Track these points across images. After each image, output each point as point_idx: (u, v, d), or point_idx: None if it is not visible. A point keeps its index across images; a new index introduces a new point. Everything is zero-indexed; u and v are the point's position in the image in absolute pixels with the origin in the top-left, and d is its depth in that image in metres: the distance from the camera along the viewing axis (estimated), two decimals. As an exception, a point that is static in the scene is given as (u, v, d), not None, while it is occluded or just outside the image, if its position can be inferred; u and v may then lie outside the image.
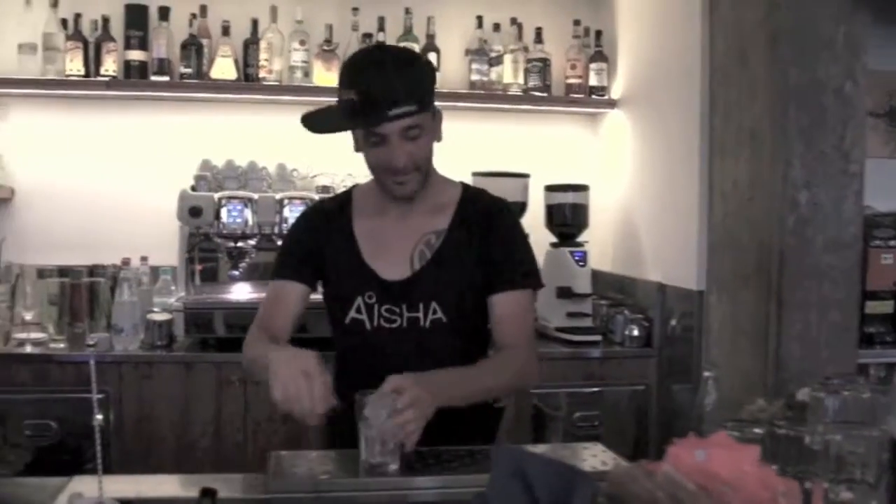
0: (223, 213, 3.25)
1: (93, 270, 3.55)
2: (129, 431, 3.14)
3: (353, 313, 2.02)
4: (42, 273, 3.51)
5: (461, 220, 2.05)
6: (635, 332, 3.42)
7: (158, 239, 3.52)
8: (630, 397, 3.41)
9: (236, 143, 3.66)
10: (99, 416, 1.70)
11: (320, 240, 2.09)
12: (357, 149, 2.01)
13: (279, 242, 3.29)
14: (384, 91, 1.82)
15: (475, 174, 3.57)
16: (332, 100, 3.57)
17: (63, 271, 3.50)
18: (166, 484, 1.72)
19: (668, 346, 3.35)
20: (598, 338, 3.47)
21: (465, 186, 2.14)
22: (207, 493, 1.47)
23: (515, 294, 2.04)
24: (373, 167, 1.98)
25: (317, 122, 1.96)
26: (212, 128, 3.74)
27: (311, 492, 1.65)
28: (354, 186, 2.21)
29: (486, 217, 2.06)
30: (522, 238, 2.12)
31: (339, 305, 2.05)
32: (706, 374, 1.84)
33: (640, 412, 3.42)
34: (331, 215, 2.12)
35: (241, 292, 3.31)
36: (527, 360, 2.03)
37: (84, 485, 1.65)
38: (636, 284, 3.62)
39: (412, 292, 1.99)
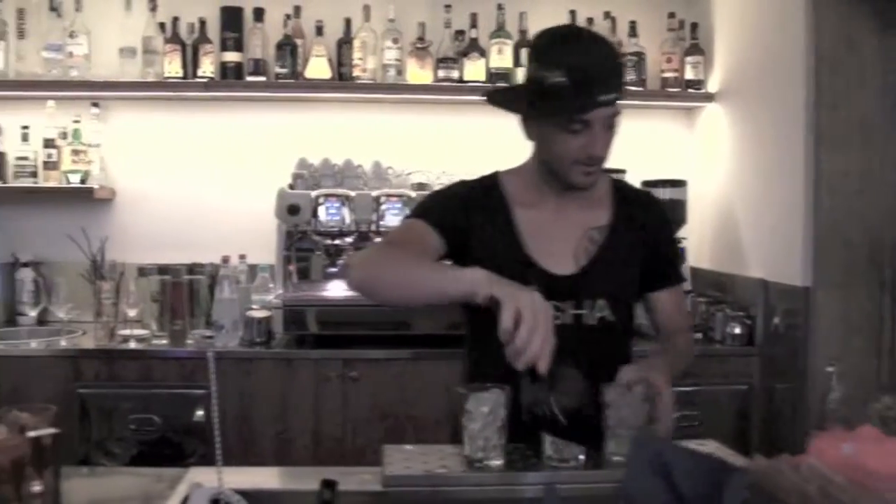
0: (321, 210, 3.26)
1: (192, 269, 3.61)
2: (229, 427, 3.17)
3: None
4: (142, 271, 3.59)
5: (620, 215, 1.98)
6: (736, 330, 3.34)
7: (256, 237, 3.57)
8: (731, 397, 3.33)
9: (332, 142, 3.68)
10: (215, 410, 1.69)
11: (474, 219, 1.93)
12: (530, 136, 1.92)
13: (376, 240, 3.31)
14: (598, 75, 1.74)
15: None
16: (426, 97, 3.70)
17: (163, 270, 3.56)
18: (283, 476, 1.72)
19: (770, 344, 3.26)
20: (697, 336, 3.39)
21: (610, 178, 2.06)
22: (328, 484, 1.46)
23: (677, 287, 2.05)
24: (559, 156, 1.84)
25: (504, 101, 1.92)
26: (307, 127, 3.78)
27: (427, 485, 1.64)
28: (494, 173, 2.05)
29: (644, 212, 2.01)
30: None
31: None
32: (829, 369, 1.78)
33: (742, 412, 3.34)
34: (483, 199, 1.97)
35: (339, 289, 3.32)
36: (692, 342, 2.08)
37: (202, 475, 1.66)
38: (736, 281, 3.53)
39: (580, 289, 1.91)
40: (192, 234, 3.74)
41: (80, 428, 3.12)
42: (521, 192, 1.97)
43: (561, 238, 1.94)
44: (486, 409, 1.68)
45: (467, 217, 1.93)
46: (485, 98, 1.90)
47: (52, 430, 1.47)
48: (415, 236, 1.87)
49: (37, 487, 1.56)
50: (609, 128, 1.81)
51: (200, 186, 3.80)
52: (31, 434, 1.45)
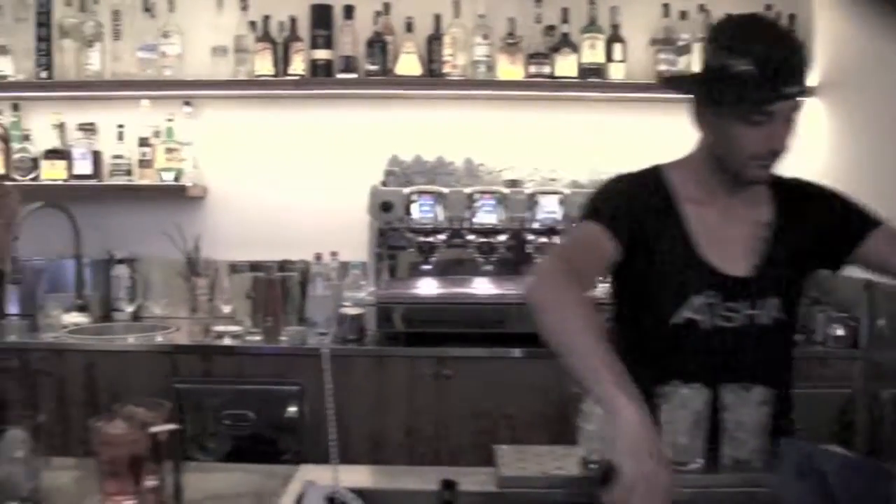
0: (414, 208, 3.25)
1: (282, 266, 3.62)
2: (322, 424, 3.17)
3: (686, 312, 1.80)
4: (234, 268, 3.62)
5: (783, 209, 1.89)
6: (839, 332, 3.23)
7: (347, 234, 3.57)
8: (832, 400, 3.22)
9: (423, 138, 3.65)
10: (331, 407, 1.68)
11: (643, 219, 1.82)
12: (702, 127, 1.82)
13: (469, 237, 3.29)
14: (786, 66, 1.68)
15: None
16: (517, 93, 3.66)
17: (254, 267, 3.59)
18: (397, 475, 1.70)
19: (875, 347, 3.15)
20: (800, 337, 3.29)
21: None
22: (448, 485, 1.44)
23: (883, 227, 1.86)
24: (736, 148, 1.75)
25: (681, 87, 1.86)
26: (398, 123, 3.76)
27: (544, 487, 1.60)
28: (656, 168, 1.93)
29: (804, 199, 1.92)
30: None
31: (666, 301, 1.82)
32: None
33: (844, 417, 3.23)
34: (650, 196, 1.86)
35: (432, 287, 3.30)
36: None
37: (313, 473, 1.65)
38: (839, 281, 3.42)
39: (754, 289, 1.82)
40: (282, 232, 3.75)
41: (176, 423, 3.15)
42: (688, 188, 1.87)
43: (732, 237, 1.85)
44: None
45: (638, 217, 1.82)
46: (664, 82, 1.82)
47: (171, 427, 1.46)
48: (591, 248, 1.77)
49: (152, 482, 1.56)
50: (789, 121, 1.73)
51: (291, 184, 3.81)
52: (153, 430, 1.45)
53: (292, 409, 3.17)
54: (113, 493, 1.54)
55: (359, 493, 1.54)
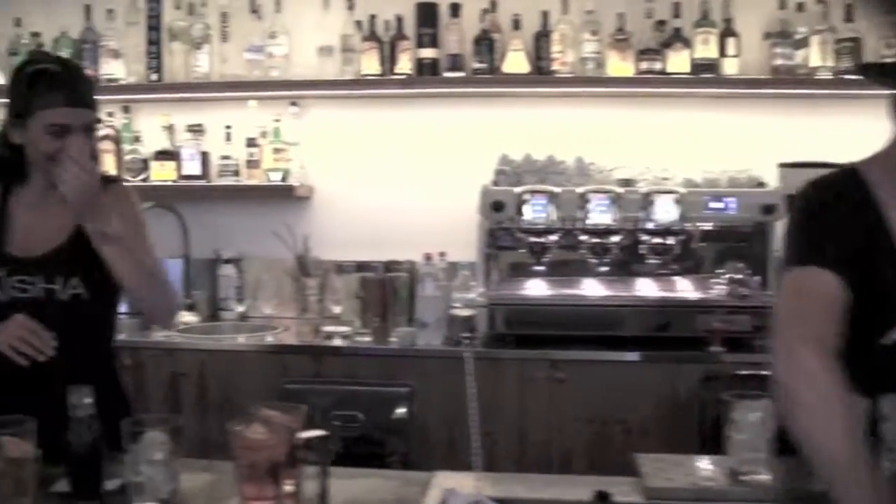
0: (525, 208, 3.19)
1: (388, 266, 3.60)
2: (432, 427, 3.15)
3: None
4: (340, 268, 3.61)
5: None
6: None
7: (455, 234, 3.52)
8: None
9: (532, 137, 3.58)
10: (475, 411, 1.63)
11: (855, 230, 1.61)
12: None
13: (581, 237, 3.22)
14: None
15: (783, 165, 3.35)
16: (628, 90, 3.57)
17: (360, 267, 3.58)
18: (538, 484, 1.64)
19: None
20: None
21: None
22: (603, 497, 1.38)
23: None
24: None
25: (882, 76, 1.75)
26: (507, 122, 3.69)
27: (692, 499, 1.53)
28: (852, 170, 1.69)
29: None
30: None
31: (877, 322, 1.59)
32: None
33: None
34: (857, 211, 1.63)
35: (543, 288, 3.24)
36: None
37: (451, 481, 1.60)
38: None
39: None
40: (388, 232, 3.73)
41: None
42: (888, 191, 1.64)
43: None
44: (754, 419, 1.56)
45: (854, 243, 1.59)
46: (861, 71, 1.65)
47: (320, 433, 1.43)
48: (826, 300, 1.54)
49: (290, 487, 1.53)
50: None
51: (397, 183, 3.78)
52: (304, 436, 1.42)
53: (400, 411, 3.14)
54: (252, 498, 1.53)
55: (501, 502, 1.48)
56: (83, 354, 2.06)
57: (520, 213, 3.20)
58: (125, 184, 2.34)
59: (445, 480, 1.61)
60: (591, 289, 3.26)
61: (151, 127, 3.85)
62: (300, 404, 1.63)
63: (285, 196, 3.73)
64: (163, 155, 3.79)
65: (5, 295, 2.04)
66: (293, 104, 3.77)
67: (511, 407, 3.09)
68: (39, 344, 1.91)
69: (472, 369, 1.62)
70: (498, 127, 3.69)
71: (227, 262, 3.80)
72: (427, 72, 3.62)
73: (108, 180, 2.20)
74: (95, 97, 2.11)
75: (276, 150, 3.70)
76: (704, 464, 1.67)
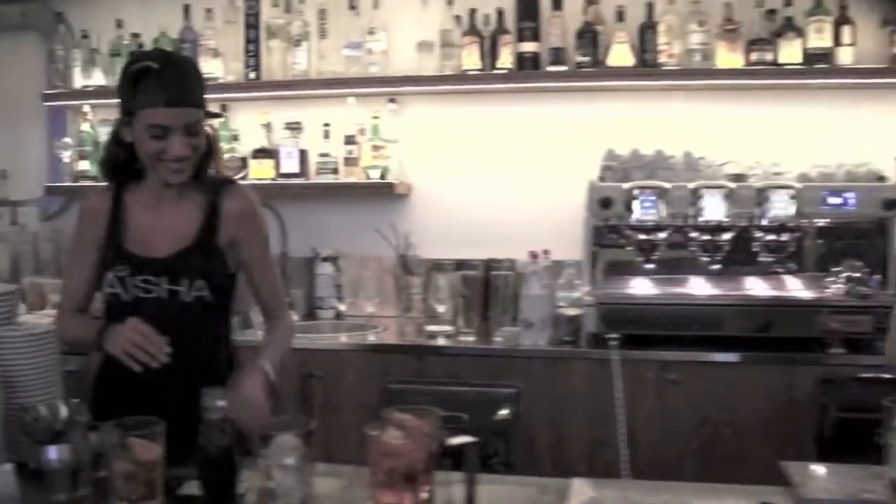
0: (635, 204, 3.09)
1: (488, 265, 3.54)
2: (537, 429, 3.08)
3: None
4: (438, 267, 3.55)
5: None
6: None
7: (558, 232, 3.44)
8: None
9: (639, 131, 3.48)
10: (622, 416, 1.56)
11: None
12: None
13: (692, 234, 3.12)
14: None
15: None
16: (737, 82, 3.45)
17: (459, 265, 3.52)
18: (686, 493, 1.56)
19: None
20: None
21: None
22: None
23: None
24: None
25: None
26: (612, 116, 3.60)
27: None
28: None
29: None
30: None
31: None
32: None
33: None
34: None
35: (650, 287, 3.15)
36: None
37: (588, 488, 1.53)
38: None
39: None
40: (488, 230, 3.67)
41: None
42: None
43: None
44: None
45: None
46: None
47: (468, 439, 1.38)
48: None
49: (425, 494, 1.49)
50: None
51: (498, 180, 3.72)
52: (453, 442, 1.37)
53: (503, 412, 3.08)
54: (386, 505, 1.48)
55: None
56: (203, 355, 2.05)
57: (629, 209, 3.11)
58: (241, 184, 2.29)
59: (581, 488, 1.54)
60: (700, 287, 3.15)
61: (250, 125, 3.85)
62: (432, 408, 1.58)
63: (384, 194, 3.70)
64: (261, 153, 3.79)
65: (129, 295, 2.03)
66: (392, 101, 3.73)
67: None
68: (154, 350, 1.89)
69: (618, 371, 1.53)
70: (603, 121, 3.60)
71: (325, 260, 3.78)
72: (529, 66, 3.55)
73: (224, 182, 2.18)
74: (203, 94, 2.06)
75: (375, 148, 3.66)
76: (860, 473, 1.57)
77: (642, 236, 3.13)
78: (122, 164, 2.09)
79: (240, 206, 2.13)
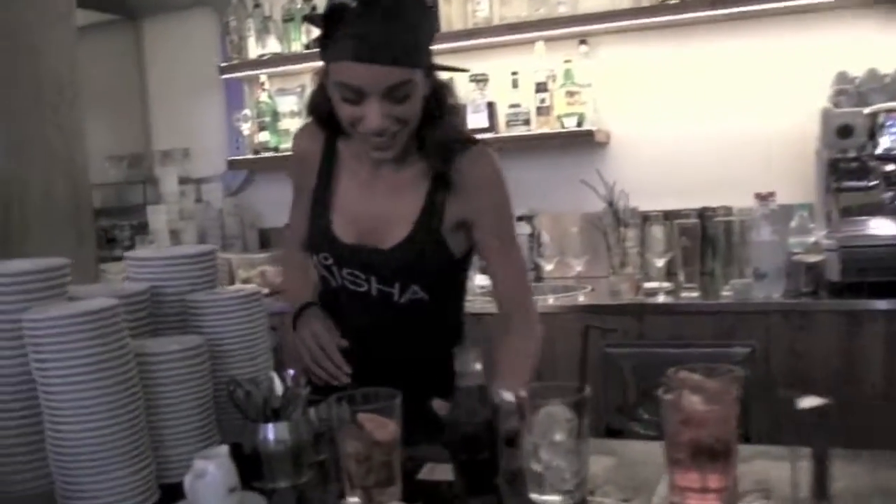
0: (881, 131, 2.70)
1: (702, 213, 3.21)
2: (774, 391, 2.74)
3: None
4: (645, 219, 3.25)
5: None
6: None
7: (781, 173, 3.10)
8: None
9: (873, 50, 3.07)
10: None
11: None
12: None
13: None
14: None
15: None
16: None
17: (667, 216, 3.21)
18: None
19: None
20: None
21: None
22: None
23: None
24: None
25: None
26: (838, 38, 3.18)
27: None
28: None
29: None
30: None
31: None
32: None
33: None
34: None
35: (898, 227, 2.76)
36: None
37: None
38: None
39: None
40: (698, 176, 3.34)
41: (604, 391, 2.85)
42: None
43: None
44: None
45: None
46: None
47: (820, 401, 1.09)
48: None
49: (732, 477, 1.21)
50: None
51: (705, 121, 3.37)
52: (804, 405, 1.09)
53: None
54: (688, 488, 1.21)
55: None
56: (426, 351, 1.73)
57: (872, 138, 2.72)
58: (485, 147, 1.77)
59: None
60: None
61: (431, 80, 3.63)
62: (733, 367, 1.31)
63: (582, 143, 3.41)
64: (447, 108, 3.57)
65: (337, 283, 1.77)
66: (583, 42, 3.44)
67: (875, 367, 2.64)
68: (334, 371, 1.68)
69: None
70: (828, 44, 3.18)
71: (520, 219, 3.52)
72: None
73: (460, 145, 1.71)
74: (421, 47, 1.58)
75: (569, 94, 3.39)
76: None
77: (890, 167, 2.73)
78: (327, 117, 1.72)
79: (478, 177, 1.71)
